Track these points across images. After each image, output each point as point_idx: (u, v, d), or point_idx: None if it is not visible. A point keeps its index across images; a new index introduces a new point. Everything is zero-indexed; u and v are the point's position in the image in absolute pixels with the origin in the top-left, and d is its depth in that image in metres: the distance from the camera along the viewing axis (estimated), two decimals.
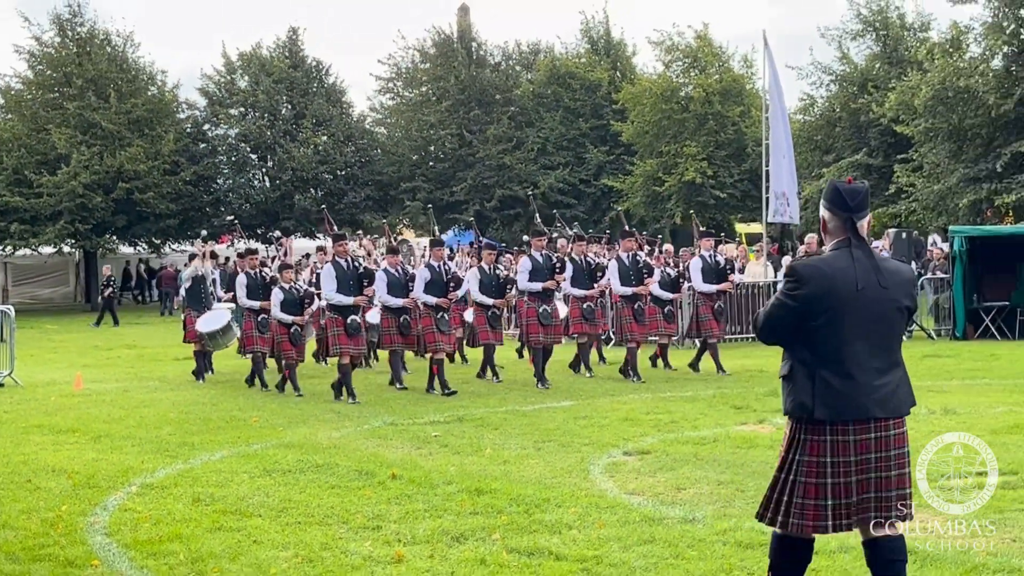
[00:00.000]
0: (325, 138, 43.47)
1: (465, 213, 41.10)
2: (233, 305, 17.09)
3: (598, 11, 63.27)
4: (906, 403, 4.90)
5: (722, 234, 29.90)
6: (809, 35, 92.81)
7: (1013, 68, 29.00)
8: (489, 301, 15.28)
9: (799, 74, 37.97)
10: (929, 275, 22.62)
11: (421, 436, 10.94)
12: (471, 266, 17.97)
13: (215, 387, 15.88)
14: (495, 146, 42.84)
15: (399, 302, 14.51)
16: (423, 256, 22.92)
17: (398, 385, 14.82)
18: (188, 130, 43.64)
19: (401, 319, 14.58)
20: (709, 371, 16.01)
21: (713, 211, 38.61)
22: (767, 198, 23.20)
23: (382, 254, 18.40)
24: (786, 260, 24.16)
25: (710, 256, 16.61)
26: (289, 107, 44.16)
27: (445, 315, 14.61)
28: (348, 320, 13.79)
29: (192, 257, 19.91)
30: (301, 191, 42.91)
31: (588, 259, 16.14)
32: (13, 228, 37.88)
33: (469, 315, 16.51)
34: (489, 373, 15.58)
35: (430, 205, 32.59)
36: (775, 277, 22.42)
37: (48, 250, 40.41)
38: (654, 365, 16.60)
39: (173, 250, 43.20)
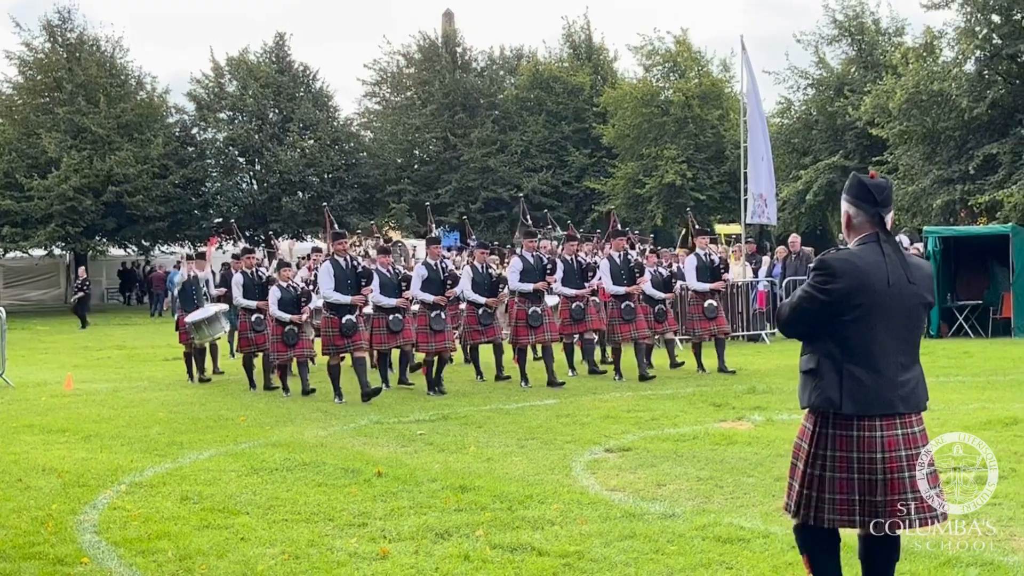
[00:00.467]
0: (312, 142, 43.63)
1: (450, 215, 41.23)
2: (226, 306, 17.06)
3: (579, 16, 63.81)
4: (923, 398, 4.87)
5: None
6: (786, 40, 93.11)
7: (985, 72, 29.34)
8: (481, 300, 15.24)
9: (776, 78, 38.58)
10: None
11: (406, 434, 11.00)
12: (464, 264, 17.91)
13: (204, 387, 15.94)
14: (479, 149, 43.06)
15: (392, 302, 14.49)
16: (413, 255, 22.99)
17: (386, 386, 14.90)
18: (177, 134, 43.84)
19: (391, 318, 14.54)
20: (689, 370, 16.15)
21: (693, 212, 38.74)
22: (745, 200, 23.40)
23: (365, 253, 18.44)
24: (765, 260, 24.36)
25: (705, 254, 16.58)
26: (276, 111, 44.34)
27: (441, 313, 14.57)
28: (344, 320, 13.70)
29: (181, 261, 19.95)
30: (288, 194, 43.05)
31: (579, 259, 16.09)
32: (4, 231, 38.13)
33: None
34: (495, 371, 15.61)
35: (428, 204, 32.70)
36: (754, 277, 22.60)
37: (39, 252, 40.76)
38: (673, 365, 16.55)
39: (162, 252, 43.45)
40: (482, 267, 15.60)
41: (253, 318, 15.43)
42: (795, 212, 35.48)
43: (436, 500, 7.84)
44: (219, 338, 17.08)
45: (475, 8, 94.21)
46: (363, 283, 13.94)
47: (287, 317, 14.48)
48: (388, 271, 14.75)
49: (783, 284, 21.72)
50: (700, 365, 16.02)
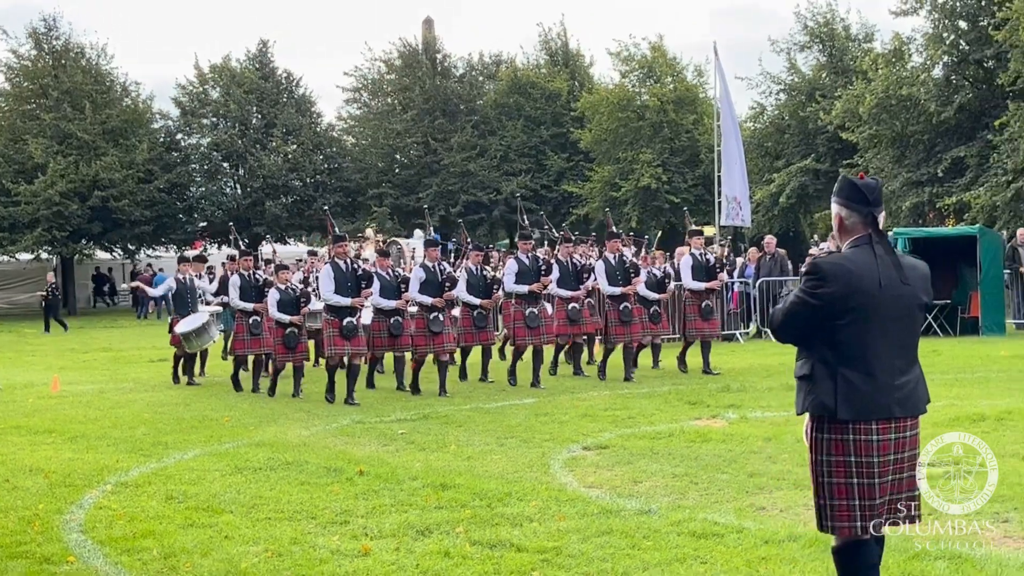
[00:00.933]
0: (295, 147, 43.76)
1: (431, 218, 41.33)
2: (218, 309, 17.04)
3: (555, 23, 63.95)
4: (923, 401, 4.76)
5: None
6: (758, 46, 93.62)
7: (953, 77, 29.71)
8: (476, 301, 15.21)
9: (749, 84, 38.87)
10: None
11: (388, 434, 11.08)
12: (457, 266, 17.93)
13: (188, 388, 15.97)
14: (459, 154, 43.24)
15: (391, 304, 14.43)
16: (412, 256, 23.05)
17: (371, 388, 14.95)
18: (162, 140, 43.90)
19: (392, 321, 14.49)
20: (669, 367, 16.32)
21: (668, 215, 39.12)
22: (719, 202, 23.58)
23: (357, 255, 18.48)
24: (739, 261, 24.54)
25: (700, 254, 16.62)
26: (259, 117, 44.42)
27: (439, 315, 14.53)
28: (344, 322, 13.70)
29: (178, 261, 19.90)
30: (272, 198, 43.11)
31: (574, 260, 15.97)
32: None
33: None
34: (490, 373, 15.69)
35: (427, 207, 32.73)
36: (729, 278, 22.74)
37: (26, 257, 40.88)
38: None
39: (148, 255, 43.69)
40: (477, 268, 15.59)
41: (250, 320, 15.34)
42: (768, 215, 35.69)
43: (417, 498, 7.91)
44: (208, 345, 17.06)
45: (455, 16, 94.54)
46: (363, 286, 13.94)
47: (287, 319, 14.49)
48: (387, 274, 14.71)
49: (756, 285, 21.86)
50: (683, 364, 16.10)
